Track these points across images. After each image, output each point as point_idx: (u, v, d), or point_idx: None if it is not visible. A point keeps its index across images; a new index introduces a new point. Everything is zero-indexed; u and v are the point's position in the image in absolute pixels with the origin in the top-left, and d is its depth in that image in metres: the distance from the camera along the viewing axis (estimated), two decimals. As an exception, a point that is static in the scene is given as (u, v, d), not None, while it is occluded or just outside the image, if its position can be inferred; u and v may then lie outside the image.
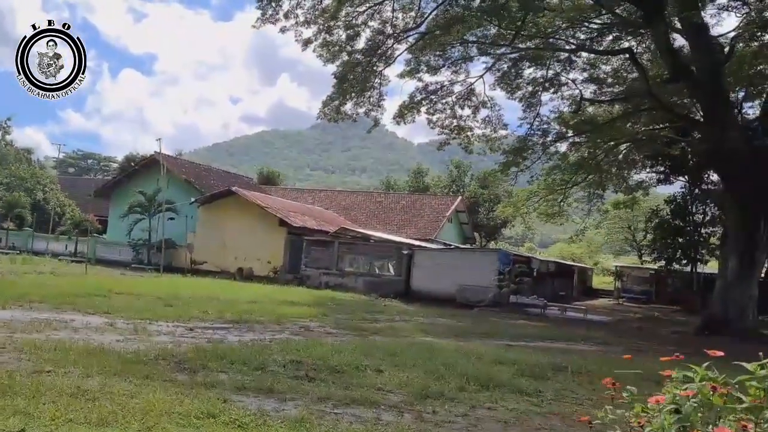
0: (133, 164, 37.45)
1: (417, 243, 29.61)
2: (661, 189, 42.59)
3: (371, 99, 28.37)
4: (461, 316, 20.27)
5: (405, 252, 26.64)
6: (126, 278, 23.65)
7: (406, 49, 27.38)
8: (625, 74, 27.60)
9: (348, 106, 27.82)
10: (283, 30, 23.97)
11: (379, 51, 26.54)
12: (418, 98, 29.30)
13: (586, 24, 23.68)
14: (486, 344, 12.87)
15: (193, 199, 31.14)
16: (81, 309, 13.13)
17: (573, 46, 24.89)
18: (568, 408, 7.32)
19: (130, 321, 11.80)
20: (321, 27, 25.34)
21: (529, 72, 27.76)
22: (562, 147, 30.75)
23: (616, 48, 24.64)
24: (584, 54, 26.61)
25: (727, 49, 20.55)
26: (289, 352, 9.24)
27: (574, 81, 25.36)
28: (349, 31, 25.97)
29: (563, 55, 25.49)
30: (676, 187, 38.71)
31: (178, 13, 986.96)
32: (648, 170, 37.02)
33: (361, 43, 26.01)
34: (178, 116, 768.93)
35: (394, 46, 26.94)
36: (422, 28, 26.05)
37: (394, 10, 26.15)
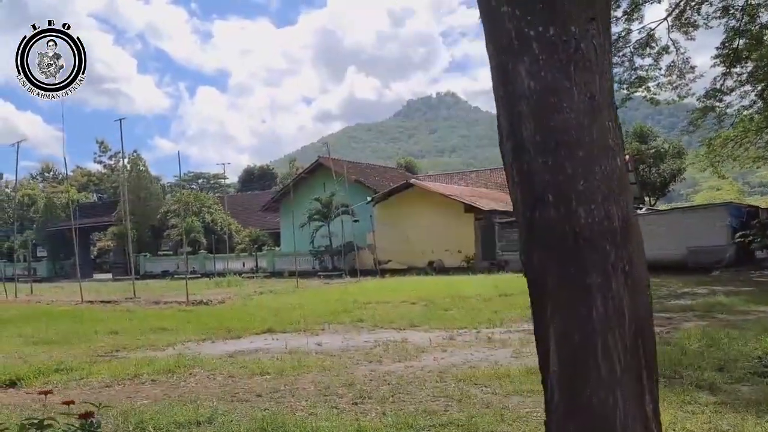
0: (298, 172, 37.12)
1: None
2: None
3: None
4: (726, 281, 18.10)
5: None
6: (338, 286, 23.13)
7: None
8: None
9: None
10: None
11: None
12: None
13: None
14: None
15: (369, 198, 30.31)
16: (381, 325, 12.20)
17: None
18: None
19: (459, 331, 10.73)
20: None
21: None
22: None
23: None
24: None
25: None
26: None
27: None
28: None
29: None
30: None
31: (239, 26, 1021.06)
32: None
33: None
34: (256, 125, 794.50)
35: None
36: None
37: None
